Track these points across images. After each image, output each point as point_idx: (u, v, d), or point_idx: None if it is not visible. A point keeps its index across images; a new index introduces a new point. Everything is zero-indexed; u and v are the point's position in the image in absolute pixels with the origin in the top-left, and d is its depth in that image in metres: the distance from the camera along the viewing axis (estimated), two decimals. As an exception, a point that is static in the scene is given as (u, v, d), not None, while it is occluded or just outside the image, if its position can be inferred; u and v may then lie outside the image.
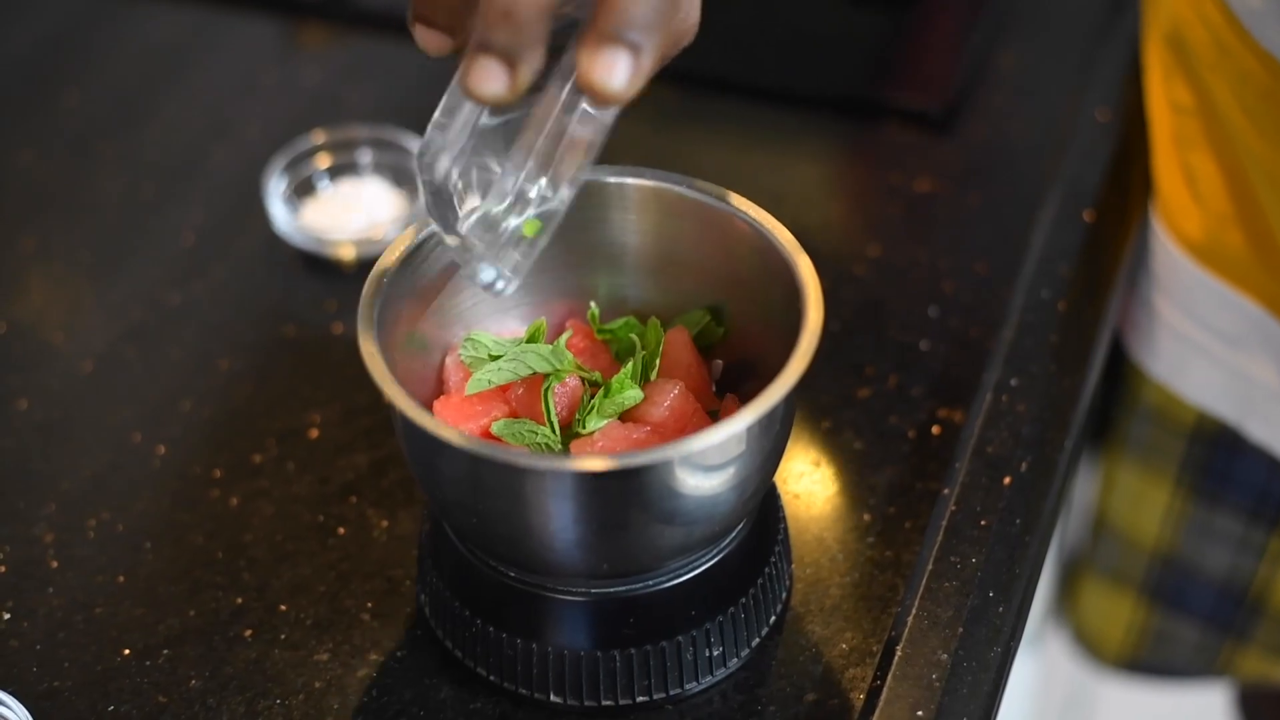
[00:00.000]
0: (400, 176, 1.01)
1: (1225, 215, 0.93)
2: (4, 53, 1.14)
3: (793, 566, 0.80)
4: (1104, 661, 1.19)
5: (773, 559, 0.77)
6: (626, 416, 0.74)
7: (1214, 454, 1.03)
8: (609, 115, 0.65)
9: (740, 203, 0.74)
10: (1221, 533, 1.06)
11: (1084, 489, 1.16)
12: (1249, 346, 0.96)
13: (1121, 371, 1.06)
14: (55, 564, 0.82)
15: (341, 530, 0.83)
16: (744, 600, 0.75)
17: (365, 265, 0.74)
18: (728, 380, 0.77)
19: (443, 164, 0.66)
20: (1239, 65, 0.88)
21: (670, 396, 0.73)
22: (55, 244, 0.94)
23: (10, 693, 0.75)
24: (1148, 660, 1.16)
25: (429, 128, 0.66)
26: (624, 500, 0.68)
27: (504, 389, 0.75)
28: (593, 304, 0.79)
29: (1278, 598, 1.07)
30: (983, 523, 0.80)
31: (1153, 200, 0.99)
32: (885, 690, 0.73)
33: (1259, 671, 1.13)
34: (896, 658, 0.75)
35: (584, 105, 0.65)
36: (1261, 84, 0.87)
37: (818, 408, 0.88)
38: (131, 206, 1.02)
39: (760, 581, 0.76)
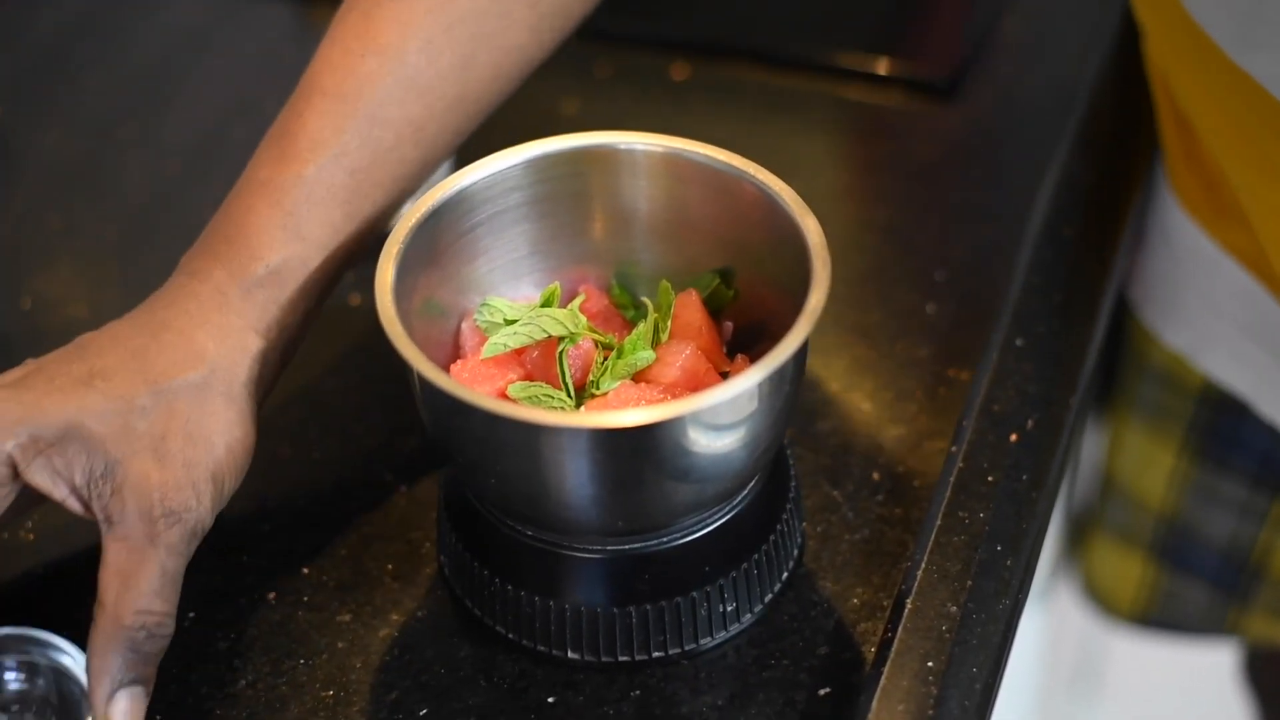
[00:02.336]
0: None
1: (1219, 189, 0.94)
2: (31, 37, 1.16)
3: (804, 524, 0.82)
4: (1119, 616, 1.19)
5: (784, 516, 0.78)
6: (639, 377, 0.75)
7: (1221, 418, 1.04)
8: None
9: (748, 166, 0.75)
10: (1225, 497, 1.06)
11: (1094, 450, 1.17)
12: (1254, 321, 0.96)
13: (1130, 333, 1.07)
14: (83, 530, 0.84)
15: (362, 495, 0.85)
16: (757, 556, 0.76)
17: (380, 236, 0.75)
18: (738, 342, 0.78)
19: None
20: (1193, 49, 0.88)
21: (682, 357, 0.74)
22: (80, 221, 0.95)
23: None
24: (1160, 616, 1.16)
25: None
26: (638, 457, 0.69)
27: (519, 353, 0.76)
28: (614, 281, 0.80)
29: (1279, 564, 1.07)
30: (990, 479, 0.81)
31: (1163, 167, 0.99)
32: (896, 642, 0.74)
33: (1265, 634, 1.13)
34: (907, 611, 0.75)
35: None
36: (1211, 64, 0.86)
37: (827, 369, 0.89)
38: (155, 184, 1.03)
39: (772, 538, 0.77)
